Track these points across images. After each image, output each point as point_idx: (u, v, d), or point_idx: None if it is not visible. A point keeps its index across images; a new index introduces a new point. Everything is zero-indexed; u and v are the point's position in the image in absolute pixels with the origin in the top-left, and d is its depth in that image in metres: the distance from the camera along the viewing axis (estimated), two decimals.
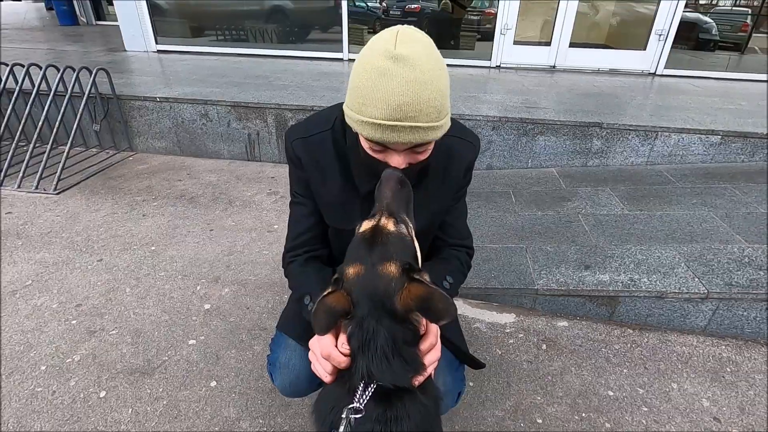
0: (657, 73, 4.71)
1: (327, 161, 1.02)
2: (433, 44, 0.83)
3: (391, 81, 0.76)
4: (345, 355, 0.77)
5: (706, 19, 4.94)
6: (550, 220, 2.44)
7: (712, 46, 5.02)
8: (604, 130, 2.98)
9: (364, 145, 0.89)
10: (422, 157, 0.90)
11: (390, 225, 0.80)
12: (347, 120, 0.87)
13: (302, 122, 1.08)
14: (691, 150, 2.99)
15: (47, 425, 1.45)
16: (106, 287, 2.08)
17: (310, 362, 0.85)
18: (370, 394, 0.72)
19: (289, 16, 5.45)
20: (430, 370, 0.81)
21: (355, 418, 0.70)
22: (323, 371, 0.81)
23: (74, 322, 1.88)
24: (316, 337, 0.85)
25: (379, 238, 0.78)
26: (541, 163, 3.15)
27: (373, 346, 0.73)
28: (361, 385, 0.73)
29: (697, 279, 1.88)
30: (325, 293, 0.75)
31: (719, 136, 2.92)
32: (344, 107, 0.88)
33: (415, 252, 0.83)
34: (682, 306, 1.85)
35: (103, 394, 1.56)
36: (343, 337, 0.78)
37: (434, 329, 0.82)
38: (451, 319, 0.72)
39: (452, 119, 0.93)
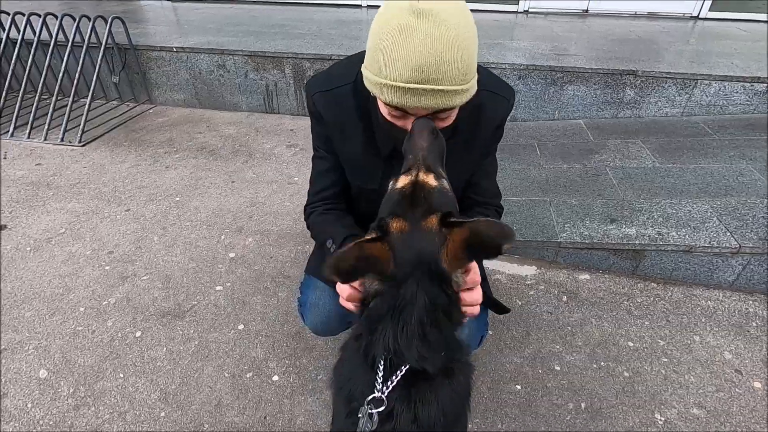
0: (700, 16, 4.34)
1: (349, 118, 0.97)
2: None
3: (412, 39, 0.68)
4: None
5: None
6: (576, 173, 2.36)
7: None
8: (639, 79, 2.81)
9: (383, 110, 0.83)
10: (446, 123, 0.84)
11: (431, 180, 0.74)
12: (365, 82, 0.80)
13: (323, 73, 1.02)
14: (732, 99, 2.80)
15: (90, 360, 1.55)
16: (135, 236, 2.15)
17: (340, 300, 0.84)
18: (396, 381, 0.65)
19: None
20: (473, 311, 0.78)
21: (378, 412, 0.63)
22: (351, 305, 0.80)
23: (107, 267, 1.96)
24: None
25: (421, 194, 0.72)
26: (569, 114, 3.01)
27: (408, 316, 0.65)
28: (381, 362, 0.66)
29: (729, 233, 1.81)
30: (365, 238, 0.67)
31: (766, 84, 2.71)
32: (363, 69, 0.81)
33: (457, 207, 0.78)
34: (711, 260, 1.81)
35: (138, 334, 1.65)
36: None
37: (474, 266, 0.76)
38: (512, 240, 0.63)
39: (483, 68, 0.86)
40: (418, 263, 0.66)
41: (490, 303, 1.16)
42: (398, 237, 0.68)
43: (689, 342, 1.62)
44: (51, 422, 1.36)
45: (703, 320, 1.70)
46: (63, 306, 1.77)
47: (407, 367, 0.66)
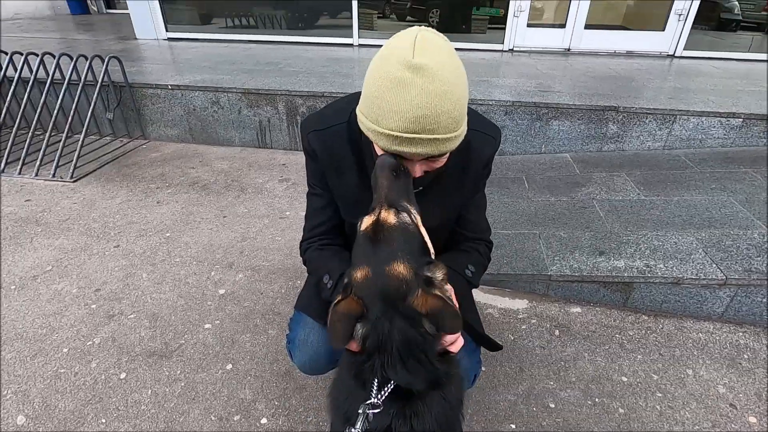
0: (676, 54, 4.56)
1: (342, 155, 1.01)
2: (453, 49, 0.79)
3: (409, 92, 0.73)
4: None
5: None
6: (564, 205, 2.41)
7: (734, 26, 4.84)
8: (620, 114, 2.92)
9: (378, 151, 0.87)
10: (438, 164, 0.88)
11: (390, 217, 0.78)
12: (361, 126, 0.84)
13: (318, 113, 1.06)
14: (710, 134, 2.91)
15: (71, 405, 1.49)
16: (124, 273, 2.13)
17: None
18: (389, 391, 0.73)
19: (298, 1, 5.39)
20: (454, 348, 0.84)
21: (373, 413, 0.71)
22: None
23: (93, 306, 1.92)
24: None
25: (381, 234, 0.76)
26: (555, 148, 3.10)
27: (389, 347, 0.72)
28: (376, 382, 0.73)
29: (715, 265, 1.84)
30: (335, 301, 0.74)
31: (740, 119, 2.83)
32: (358, 112, 0.85)
33: (422, 239, 0.81)
34: (699, 292, 1.83)
35: (123, 375, 1.60)
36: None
37: (459, 339, 0.85)
38: (456, 332, 0.76)
39: (471, 109, 0.90)
40: (384, 304, 0.73)
41: (482, 340, 1.16)
42: (363, 284, 0.74)
43: (683, 376, 1.61)
44: None
45: (695, 353, 1.70)
46: (45, 347, 1.72)
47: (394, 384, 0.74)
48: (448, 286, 0.79)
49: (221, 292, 2.01)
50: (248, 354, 1.69)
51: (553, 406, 1.50)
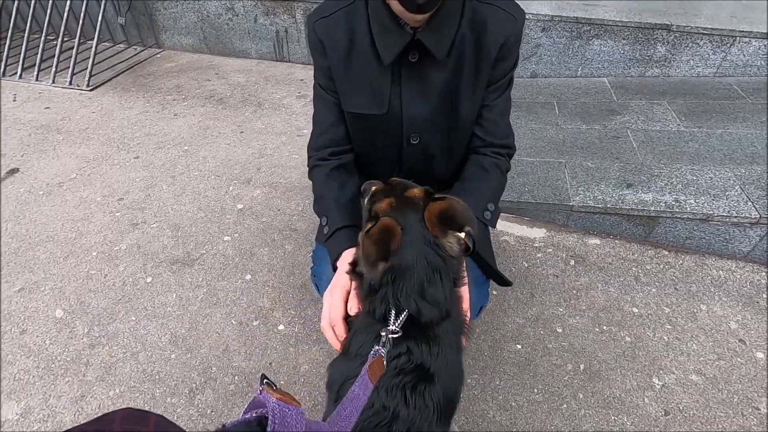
0: None
1: (349, 36, 0.94)
2: None
3: None
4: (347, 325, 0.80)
5: None
6: (595, 134, 2.27)
7: None
8: (672, 34, 2.62)
9: (394, 5, 0.83)
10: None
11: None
12: None
13: (322, 3, 0.98)
14: None
15: (103, 302, 1.60)
16: (145, 183, 2.16)
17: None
18: (403, 320, 0.72)
19: None
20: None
21: (393, 338, 0.70)
22: (331, 337, 0.84)
23: (118, 214, 1.98)
24: (328, 290, 0.86)
25: (395, 181, 0.82)
26: (593, 71, 2.85)
27: (409, 277, 0.71)
28: (393, 313, 0.72)
29: (750, 203, 1.75)
30: (366, 229, 0.71)
31: None
32: None
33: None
34: (728, 230, 1.76)
35: (149, 279, 1.69)
36: (353, 301, 0.80)
37: (465, 293, 0.84)
38: (473, 229, 0.73)
39: None
40: (414, 230, 0.73)
41: (493, 274, 1.14)
42: (392, 211, 0.74)
43: (695, 311, 1.61)
44: (68, 358, 1.43)
45: (712, 290, 1.68)
46: (76, 250, 1.81)
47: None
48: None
49: (239, 206, 2.03)
50: (266, 266, 1.75)
51: (560, 330, 1.54)
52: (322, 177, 1.04)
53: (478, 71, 0.96)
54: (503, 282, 1.07)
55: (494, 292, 1.65)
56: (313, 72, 1.04)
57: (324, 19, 0.94)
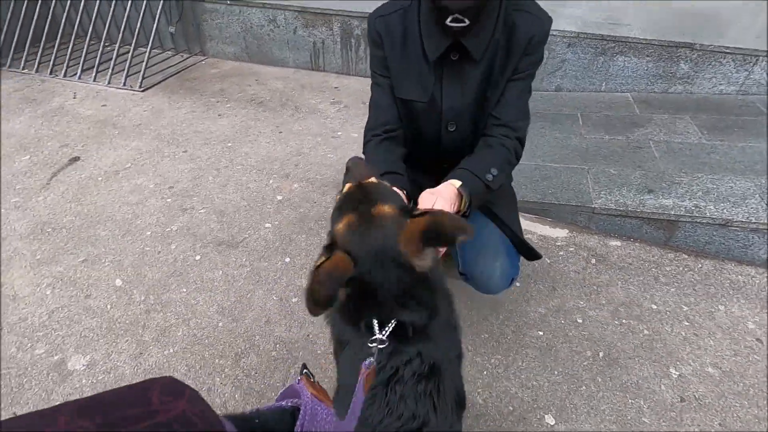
0: None
1: (403, 33, 1.12)
2: None
3: None
4: None
5: None
6: (618, 144, 2.36)
7: None
8: (695, 52, 2.71)
9: None
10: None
11: (372, 180, 0.83)
12: None
13: (382, 5, 1.17)
14: None
15: (157, 275, 1.76)
16: (192, 174, 2.34)
17: None
18: (391, 328, 0.71)
19: None
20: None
21: (380, 348, 0.69)
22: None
23: (169, 200, 2.16)
24: None
25: (364, 190, 0.78)
26: (617, 86, 2.95)
27: (384, 298, 0.70)
28: (375, 322, 0.71)
29: None
30: (318, 263, 0.68)
31: None
32: None
33: (402, 200, 0.85)
34: (747, 236, 1.82)
35: (198, 257, 1.84)
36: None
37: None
38: (467, 235, 0.67)
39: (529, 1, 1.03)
40: (376, 248, 0.69)
41: (522, 247, 1.26)
42: (349, 235, 0.71)
43: (713, 310, 1.66)
44: (127, 321, 1.58)
45: (730, 292, 1.74)
46: (132, 229, 1.98)
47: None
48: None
49: (279, 197, 2.19)
50: (303, 251, 1.89)
51: (580, 321, 1.62)
52: (373, 146, 1.20)
53: (506, 66, 1.11)
54: (533, 255, 1.18)
55: (517, 284, 1.74)
56: (369, 63, 1.22)
57: (383, 17, 1.13)
